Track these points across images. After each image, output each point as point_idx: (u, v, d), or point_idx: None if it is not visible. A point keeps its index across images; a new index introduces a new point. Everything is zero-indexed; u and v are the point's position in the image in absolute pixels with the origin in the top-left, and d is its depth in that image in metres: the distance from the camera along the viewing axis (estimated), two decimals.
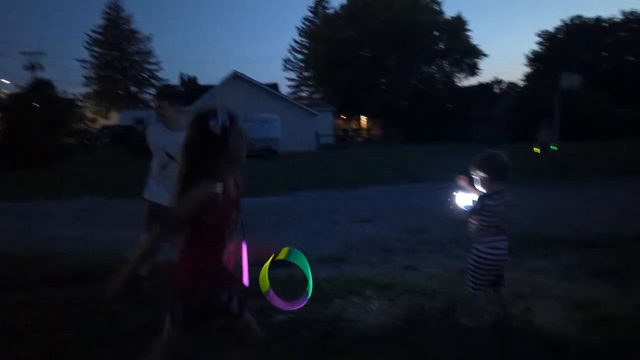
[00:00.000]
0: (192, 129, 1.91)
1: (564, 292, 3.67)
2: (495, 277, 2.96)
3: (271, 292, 2.23)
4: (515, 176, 10.47)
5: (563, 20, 51.48)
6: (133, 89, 61.14)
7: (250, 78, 32.80)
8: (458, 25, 49.89)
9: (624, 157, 16.88)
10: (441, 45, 50.57)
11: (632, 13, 47.97)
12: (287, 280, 3.57)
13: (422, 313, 3.32)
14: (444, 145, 28.93)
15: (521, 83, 48.58)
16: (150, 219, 3.97)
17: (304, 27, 63.07)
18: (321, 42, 50.56)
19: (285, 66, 63.91)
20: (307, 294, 2.21)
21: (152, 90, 57.21)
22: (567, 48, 47.06)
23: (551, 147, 14.54)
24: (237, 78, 32.23)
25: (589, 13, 76.88)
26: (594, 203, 8.22)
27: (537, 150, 14.39)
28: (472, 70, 51.06)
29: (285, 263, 2.31)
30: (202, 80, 54.61)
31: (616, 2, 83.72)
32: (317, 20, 62.21)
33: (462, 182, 3.04)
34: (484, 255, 2.90)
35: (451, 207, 3.02)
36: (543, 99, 27.99)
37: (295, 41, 63.26)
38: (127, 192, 8.83)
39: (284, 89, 59.60)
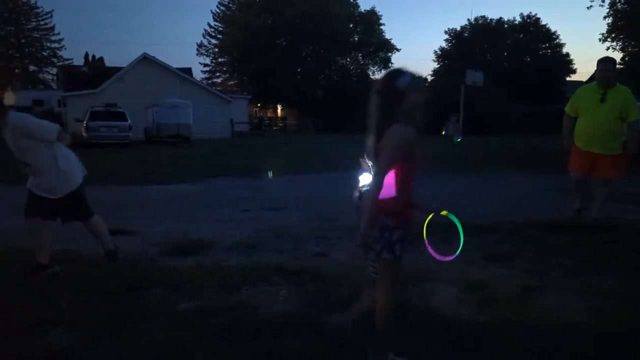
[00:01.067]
0: (382, 85, 2.31)
1: (459, 275, 3.89)
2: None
3: (427, 242, 2.50)
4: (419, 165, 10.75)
5: (469, 20, 54.26)
6: (32, 67, 56.78)
7: (160, 61, 31.51)
8: (372, 19, 50.99)
9: (521, 150, 18.19)
10: (356, 38, 51.45)
11: (529, 16, 51.54)
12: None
13: (327, 298, 3.38)
14: (357, 135, 29.55)
15: (430, 78, 50.63)
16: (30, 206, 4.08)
17: (219, 11, 61.48)
18: (236, 28, 49.61)
19: (199, 51, 62.01)
20: (457, 251, 2.48)
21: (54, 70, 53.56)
22: (472, 46, 49.68)
23: (457, 139, 15.42)
24: (146, 60, 30.85)
25: (493, 14, 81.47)
26: (493, 192, 8.79)
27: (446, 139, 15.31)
28: (386, 64, 52.43)
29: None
30: (111, 62, 51.84)
31: (517, 6, 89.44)
32: (232, 6, 60.83)
33: (364, 164, 3.08)
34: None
35: (355, 190, 3.06)
36: (450, 94, 29.35)
37: (210, 25, 61.54)
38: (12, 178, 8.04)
39: (198, 74, 57.82)
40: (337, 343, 2.72)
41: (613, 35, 18.30)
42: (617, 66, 18.23)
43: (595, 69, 5.63)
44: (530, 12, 54.32)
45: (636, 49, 17.64)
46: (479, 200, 7.72)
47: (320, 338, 2.78)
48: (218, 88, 50.95)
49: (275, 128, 49.46)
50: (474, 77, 26.78)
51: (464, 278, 3.81)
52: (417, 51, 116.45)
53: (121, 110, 22.86)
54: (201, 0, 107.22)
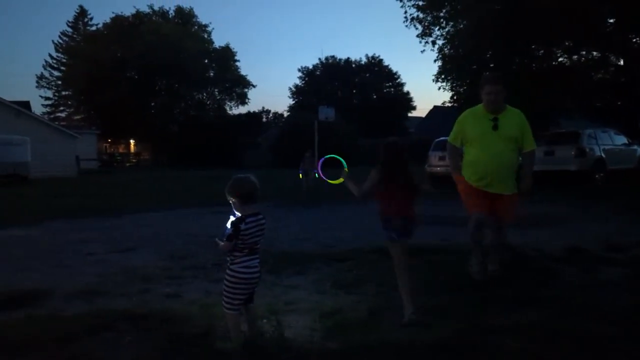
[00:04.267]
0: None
1: (312, 305, 3.98)
2: (248, 294, 3.08)
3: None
4: (276, 199, 11.03)
5: (320, 59, 57.35)
6: None
7: None
8: (227, 55, 51.46)
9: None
10: (211, 73, 51.41)
11: (373, 57, 55.95)
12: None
13: (177, 341, 3.24)
14: (214, 171, 29.18)
15: (286, 113, 52.21)
16: None
17: (62, 42, 57.50)
18: (81, 60, 46.72)
19: (39, 83, 57.12)
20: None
21: None
22: (323, 84, 52.39)
23: (314, 174, 15.98)
24: None
25: (341, 54, 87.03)
26: (343, 222, 9.21)
27: (301, 176, 15.63)
28: (242, 99, 53.02)
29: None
30: None
31: (363, 47, 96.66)
32: (77, 36, 57.33)
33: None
34: (239, 275, 3.01)
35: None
36: (304, 129, 30.47)
37: (52, 57, 57.16)
38: None
39: (39, 108, 53.18)
40: None
41: (443, 76, 20.49)
42: (448, 104, 20.36)
43: (481, 90, 4.49)
44: (375, 54, 59.15)
45: (463, 89, 19.96)
46: (329, 231, 8.04)
47: None
48: (62, 123, 47.21)
49: (128, 164, 47.01)
50: (326, 113, 28.09)
51: (317, 307, 3.90)
52: (272, 87, 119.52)
53: None
54: (41, 30, 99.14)
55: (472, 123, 4.58)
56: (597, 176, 14.42)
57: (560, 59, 19.56)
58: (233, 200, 3.04)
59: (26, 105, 34.73)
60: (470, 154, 4.62)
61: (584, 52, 18.84)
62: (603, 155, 14.65)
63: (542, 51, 19.17)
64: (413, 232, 3.68)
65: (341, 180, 3.79)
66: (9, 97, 30.88)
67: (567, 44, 18.39)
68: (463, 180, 4.65)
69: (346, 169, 3.86)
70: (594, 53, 18.72)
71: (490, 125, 4.44)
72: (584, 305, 3.78)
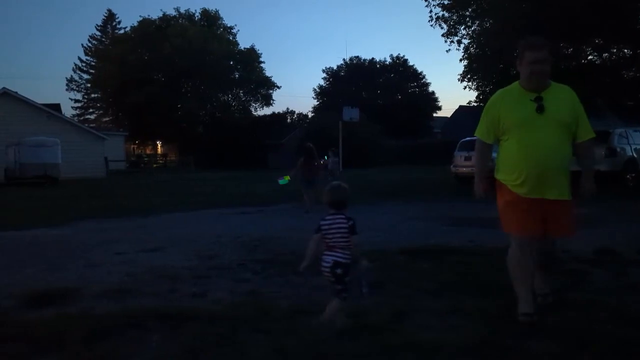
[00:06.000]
0: None
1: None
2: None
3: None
4: (300, 200, 11.03)
5: (344, 59, 57.27)
6: None
7: (22, 96, 29.20)
8: (252, 56, 51.82)
9: (394, 181, 19.30)
10: (236, 75, 51.84)
11: (398, 57, 55.63)
12: None
13: (203, 339, 3.29)
14: (239, 172, 29.44)
15: (310, 114, 52.32)
16: None
17: (91, 45, 58.76)
18: (110, 63, 47.66)
19: (69, 86, 58.51)
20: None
21: None
22: (348, 84, 52.30)
23: (335, 172, 16.09)
24: (6, 95, 28.43)
25: (366, 55, 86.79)
26: (366, 222, 9.17)
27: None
28: (267, 100, 53.34)
29: None
30: None
31: (387, 47, 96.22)
32: (105, 40, 58.51)
33: None
34: (321, 264, 3.45)
35: None
36: (328, 130, 30.48)
37: (81, 60, 58.48)
38: None
39: (68, 110, 54.41)
40: None
41: (469, 76, 20.27)
42: (473, 104, 20.10)
43: (519, 61, 3.50)
44: (399, 54, 58.83)
45: (489, 88, 19.73)
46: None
47: None
48: (91, 125, 48.27)
49: (155, 165, 47.78)
50: (350, 113, 28.10)
51: (341, 308, 3.90)
52: (297, 89, 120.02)
53: None
54: (71, 34, 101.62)
55: (509, 106, 3.49)
56: (628, 177, 14.07)
57: (589, 57, 19.16)
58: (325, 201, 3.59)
59: (57, 107, 35.62)
60: (507, 149, 3.52)
61: (614, 50, 18.41)
62: (635, 155, 14.28)
63: (570, 49, 18.80)
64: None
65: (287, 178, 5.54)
66: (40, 99, 31.78)
67: (597, 41, 18.00)
68: (503, 187, 3.55)
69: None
70: (625, 50, 18.28)
71: (534, 106, 3.37)
72: (613, 309, 3.70)
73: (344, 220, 3.44)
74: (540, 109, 3.35)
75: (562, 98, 3.46)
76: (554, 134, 3.35)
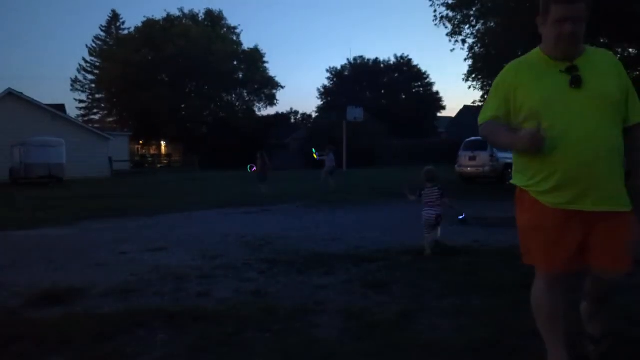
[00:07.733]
0: None
1: (342, 305, 3.98)
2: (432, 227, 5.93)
3: None
4: (306, 200, 11.12)
5: (348, 59, 57.23)
6: None
7: (27, 97, 29.31)
8: (256, 56, 51.87)
9: (398, 181, 19.24)
10: (240, 75, 51.91)
11: (402, 57, 55.56)
12: None
13: (208, 338, 3.29)
14: (243, 171, 29.47)
15: (314, 114, 52.31)
16: None
17: (95, 46, 58.90)
18: (115, 63, 47.79)
19: (73, 87, 58.69)
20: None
21: None
22: (352, 84, 52.29)
23: (332, 171, 16.22)
24: (11, 96, 28.54)
25: (370, 55, 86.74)
26: (371, 222, 9.15)
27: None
28: (271, 100, 53.40)
29: None
30: None
31: (391, 47, 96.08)
32: (109, 40, 58.64)
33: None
34: (423, 215, 5.98)
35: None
36: (332, 130, 30.50)
37: (85, 60, 58.64)
38: None
39: (73, 111, 54.59)
40: None
41: (473, 75, 20.23)
42: (478, 103, 20.09)
43: (542, 19, 2.37)
44: (403, 53, 58.76)
45: None
46: (358, 231, 8.02)
47: None
48: (96, 125, 48.41)
49: (159, 165, 47.85)
50: (354, 113, 28.10)
51: (347, 307, 3.90)
52: (301, 89, 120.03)
53: None
54: (76, 34, 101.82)
55: (531, 80, 2.37)
56: None
57: None
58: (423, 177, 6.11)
59: (61, 108, 35.74)
60: None
61: (619, 50, 18.33)
62: None
63: None
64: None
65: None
66: (45, 100, 31.89)
67: (602, 41, 17.92)
68: (524, 198, 2.42)
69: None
70: (630, 50, 18.20)
71: (566, 80, 2.29)
72: (620, 309, 3.68)
73: (438, 190, 5.93)
74: (577, 82, 2.27)
75: (605, 67, 2.39)
76: (598, 117, 2.25)
